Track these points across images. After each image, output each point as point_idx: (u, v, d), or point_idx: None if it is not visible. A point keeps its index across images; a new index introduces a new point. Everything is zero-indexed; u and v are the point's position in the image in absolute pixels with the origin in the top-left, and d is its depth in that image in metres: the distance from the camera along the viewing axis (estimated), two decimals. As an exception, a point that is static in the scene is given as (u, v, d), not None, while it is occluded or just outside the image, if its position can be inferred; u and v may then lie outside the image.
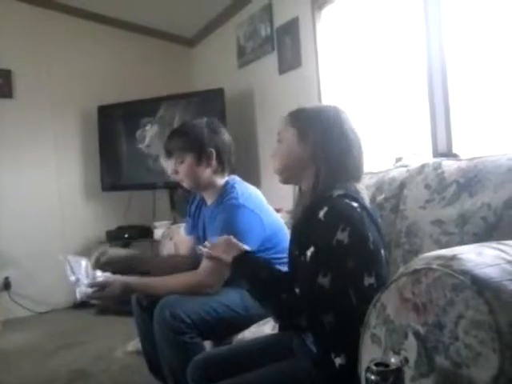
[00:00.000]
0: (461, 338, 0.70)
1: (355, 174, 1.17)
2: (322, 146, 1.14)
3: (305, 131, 1.16)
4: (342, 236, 1.02)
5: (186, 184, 1.71)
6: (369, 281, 1.03)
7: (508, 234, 1.31)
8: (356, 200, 1.09)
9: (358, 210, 1.07)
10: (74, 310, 3.59)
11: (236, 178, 1.71)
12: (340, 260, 1.03)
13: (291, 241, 1.21)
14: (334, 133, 1.15)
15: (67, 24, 3.80)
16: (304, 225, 1.12)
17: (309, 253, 1.05)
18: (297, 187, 1.25)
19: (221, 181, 1.69)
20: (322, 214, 1.05)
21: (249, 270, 1.20)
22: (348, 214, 1.06)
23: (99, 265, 1.70)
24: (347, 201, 1.08)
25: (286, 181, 1.23)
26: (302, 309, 1.05)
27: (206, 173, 1.67)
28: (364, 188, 1.20)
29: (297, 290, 1.07)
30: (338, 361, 1.01)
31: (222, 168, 1.69)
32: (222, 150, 1.68)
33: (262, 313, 1.48)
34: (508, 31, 1.93)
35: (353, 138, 1.16)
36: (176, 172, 1.70)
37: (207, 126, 1.70)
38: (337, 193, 1.09)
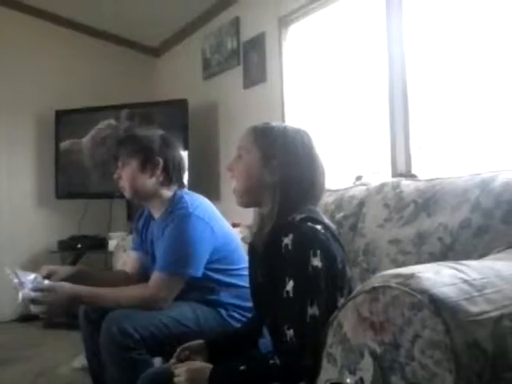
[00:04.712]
0: (417, 358, 0.68)
1: (317, 197, 1.15)
2: (288, 171, 1.10)
3: (270, 155, 1.12)
4: (316, 261, 0.99)
5: (126, 191, 1.64)
6: (340, 301, 1.00)
7: (463, 254, 1.34)
8: (318, 222, 1.07)
9: (323, 231, 1.05)
10: (19, 322, 3.41)
11: (184, 190, 1.67)
12: (320, 285, 0.99)
13: (253, 268, 1.16)
14: (301, 158, 1.12)
15: (29, 25, 3.68)
16: (271, 255, 1.07)
17: (289, 288, 1.00)
18: (256, 209, 1.21)
19: (167, 193, 1.63)
20: (288, 241, 1.02)
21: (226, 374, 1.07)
22: (315, 237, 1.03)
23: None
24: (310, 224, 1.05)
25: (245, 205, 1.19)
26: (304, 349, 0.96)
27: (150, 182, 1.61)
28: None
29: (289, 332, 0.99)
30: None
31: (168, 181, 1.63)
32: (171, 162, 1.63)
33: (214, 327, 1.44)
34: (469, 52, 2.00)
35: (319, 164, 1.14)
36: (120, 177, 1.65)
37: (161, 137, 1.66)
38: (299, 217, 1.06)
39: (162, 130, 1.74)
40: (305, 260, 0.99)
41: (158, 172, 1.61)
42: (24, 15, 3.65)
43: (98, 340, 1.42)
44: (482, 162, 1.92)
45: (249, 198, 1.16)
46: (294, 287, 1.00)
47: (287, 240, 1.02)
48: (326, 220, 1.12)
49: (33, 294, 1.43)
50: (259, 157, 1.13)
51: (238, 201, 1.19)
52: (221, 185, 3.50)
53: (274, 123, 1.20)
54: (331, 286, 1.01)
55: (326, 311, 0.96)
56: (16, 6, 3.60)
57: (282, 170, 1.11)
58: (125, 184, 1.64)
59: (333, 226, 1.14)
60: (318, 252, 1.00)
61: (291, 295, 1.00)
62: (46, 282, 1.48)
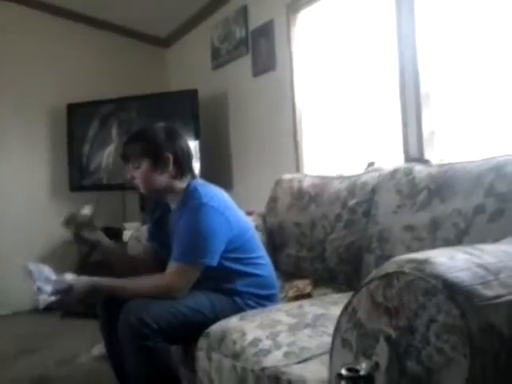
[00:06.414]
0: (432, 343, 0.69)
1: None
2: None
3: None
4: None
5: (142, 189, 1.67)
6: None
7: (478, 239, 1.33)
8: None
9: None
10: (38, 313, 3.45)
11: (198, 181, 1.67)
12: None
13: None
14: None
15: (39, 19, 3.69)
16: None
17: None
18: None
19: (181, 185, 1.64)
20: None
21: None
22: None
23: (66, 223, 1.72)
24: None
25: None
26: None
27: (163, 178, 1.62)
28: None
29: None
30: None
31: (180, 173, 1.64)
32: (180, 154, 1.63)
33: (230, 314, 1.46)
34: (481, 36, 1.97)
35: None
36: (133, 178, 1.66)
37: (165, 130, 1.65)
38: None
39: (173, 121, 1.75)
40: None
41: (170, 167, 1.62)
42: (35, 11, 3.67)
43: (116, 329, 1.44)
44: (496, 145, 1.90)
45: None
46: None
47: None
48: None
49: (53, 298, 1.47)
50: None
51: None
52: (233, 173, 3.51)
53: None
54: None
55: None
56: (26, 2, 3.62)
57: None
58: (139, 183, 1.66)
59: None
60: None
61: None
62: (68, 277, 1.52)
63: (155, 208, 1.82)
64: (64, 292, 1.49)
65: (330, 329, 0.99)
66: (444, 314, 0.69)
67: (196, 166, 1.62)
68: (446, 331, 0.68)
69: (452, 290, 0.70)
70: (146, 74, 4.11)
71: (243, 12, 3.27)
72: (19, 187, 3.65)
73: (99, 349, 2.39)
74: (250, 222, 1.75)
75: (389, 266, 0.80)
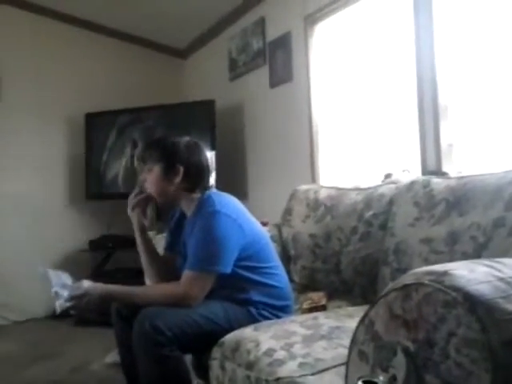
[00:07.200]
0: (452, 357, 0.68)
1: None
2: None
3: None
4: None
5: (153, 194, 1.69)
6: None
7: (497, 253, 1.31)
8: None
9: None
10: (52, 320, 3.49)
11: (213, 190, 1.69)
12: None
13: None
14: None
15: (58, 30, 3.77)
16: None
17: None
18: None
19: (193, 195, 1.66)
20: None
21: None
22: None
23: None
24: None
25: None
26: None
27: (171, 188, 1.64)
28: None
29: None
30: None
31: (191, 187, 1.65)
32: (192, 169, 1.64)
33: (244, 324, 1.45)
34: (499, 48, 1.96)
35: None
36: (145, 180, 1.69)
37: (185, 144, 1.67)
38: None
39: (189, 131, 1.77)
40: None
41: (178, 179, 1.63)
42: (55, 21, 3.75)
43: (130, 336, 1.44)
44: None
45: None
46: None
47: None
48: None
49: (68, 304, 1.49)
50: None
51: None
52: (248, 184, 3.51)
53: None
54: None
55: None
56: (46, 12, 3.70)
57: None
58: (149, 187, 1.69)
59: None
60: None
61: None
62: (77, 284, 1.53)
63: (172, 217, 1.83)
64: (80, 297, 1.50)
65: (346, 341, 0.99)
66: (464, 327, 0.68)
67: (209, 180, 1.65)
68: (467, 345, 0.67)
69: (472, 303, 0.68)
70: (164, 85, 4.16)
71: (261, 24, 3.30)
72: (36, 195, 3.69)
73: (112, 357, 2.40)
74: (264, 232, 1.75)
75: (407, 278, 0.79)
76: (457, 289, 0.71)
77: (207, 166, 1.71)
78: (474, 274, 0.76)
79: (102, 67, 3.94)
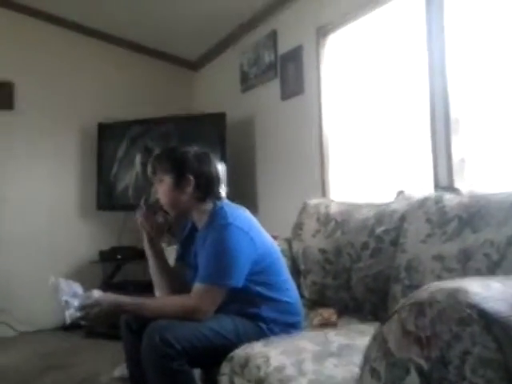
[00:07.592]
0: (468, 377, 0.66)
1: None
2: None
3: None
4: None
5: (164, 204, 1.70)
6: None
7: (511, 271, 1.29)
8: None
9: None
10: (62, 331, 3.49)
11: (225, 201, 1.68)
12: None
13: None
14: None
15: (72, 40, 3.83)
16: None
17: None
18: None
19: (205, 206, 1.66)
20: None
21: None
22: None
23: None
24: None
25: None
26: None
27: (183, 198, 1.65)
28: None
29: None
30: None
31: (202, 197, 1.65)
32: (202, 179, 1.65)
33: (253, 339, 1.44)
34: (511, 62, 1.95)
35: None
36: (157, 191, 1.70)
37: (195, 154, 1.68)
38: None
39: (200, 144, 1.77)
40: None
41: (190, 189, 1.63)
42: (70, 32, 3.81)
43: (139, 349, 1.44)
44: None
45: None
46: None
47: None
48: None
49: (79, 314, 1.49)
50: None
51: None
52: (258, 197, 3.50)
53: None
54: None
55: None
56: (61, 22, 3.76)
57: None
58: (161, 198, 1.69)
59: None
60: None
61: None
62: (96, 293, 1.53)
63: (183, 229, 1.83)
64: (90, 307, 1.49)
65: (356, 359, 0.97)
66: (480, 346, 0.66)
67: (221, 189, 1.66)
68: (482, 365, 0.65)
69: (488, 321, 0.67)
70: (175, 96, 4.19)
71: (273, 37, 3.32)
72: (47, 204, 3.72)
73: (120, 370, 2.38)
74: (276, 245, 1.74)
75: (420, 294, 0.78)
76: (472, 305, 0.69)
77: (217, 175, 1.72)
78: (489, 291, 0.74)
79: (115, 77, 4.00)
